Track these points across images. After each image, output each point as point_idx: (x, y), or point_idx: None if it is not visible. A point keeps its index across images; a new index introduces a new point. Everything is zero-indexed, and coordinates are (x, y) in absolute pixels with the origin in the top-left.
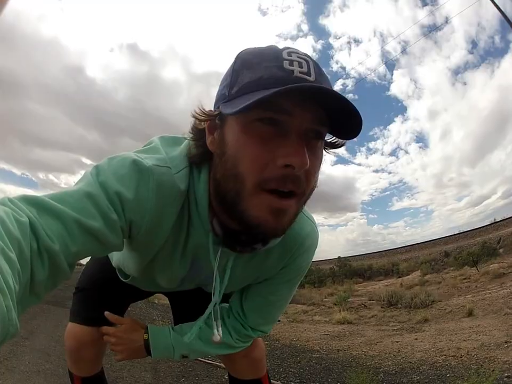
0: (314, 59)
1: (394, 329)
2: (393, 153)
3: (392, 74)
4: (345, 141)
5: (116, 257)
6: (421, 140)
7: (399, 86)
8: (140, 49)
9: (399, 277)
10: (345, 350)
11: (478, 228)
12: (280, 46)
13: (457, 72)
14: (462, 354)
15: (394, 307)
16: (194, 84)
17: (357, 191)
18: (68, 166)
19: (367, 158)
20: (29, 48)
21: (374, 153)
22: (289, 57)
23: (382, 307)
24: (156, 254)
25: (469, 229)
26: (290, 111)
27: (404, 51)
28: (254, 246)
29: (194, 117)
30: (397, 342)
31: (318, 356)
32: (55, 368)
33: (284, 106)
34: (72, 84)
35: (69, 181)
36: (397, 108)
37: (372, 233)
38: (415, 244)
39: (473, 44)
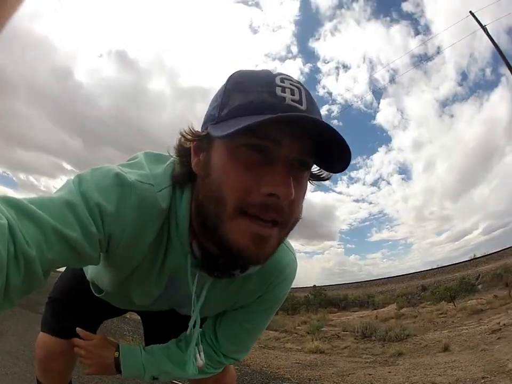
0: (306, 87)
1: (367, 362)
2: (375, 183)
3: (378, 103)
4: (331, 174)
5: (90, 271)
6: (404, 171)
7: (385, 115)
8: (128, 57)
9: (375, 309)
10: (316, 380)
11: (456, 263)
12: (274, 72)
13: (445, 104)
14: None
15: (368, 339)
16: (179, 98)
17: (336, 220)
18: (48, 169)
19: (348, 187)
20: (20, 46)
21: (356, 182)
22: (282, 84)
23: (355, 338)
24: (132, 271)
25: (447, 264)
26: (279, 140)
27: (392, 80)
28: (232, 272)
29: (182, 135)
30: (370, 374)
31: None
32: (23, 372)
33: (273, 134)
34: (59, 87)
35: (48, 184)
36: (382, 138)
37: (349, 263)
38: (392, 277)
39: (463, 75)
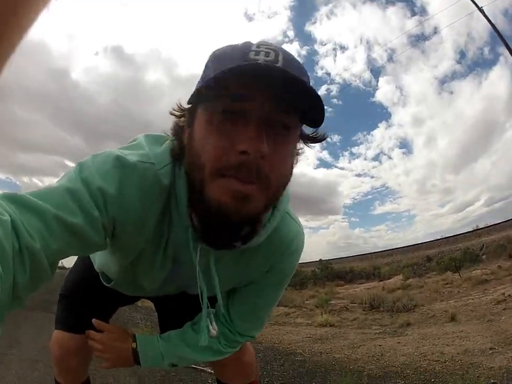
0: (288, 52)
1: (376, 333)
2: (376, 158)
3: (377, 81)
4: (326, 134)
5: (98, 260)
6: (404, 145)
7: (384, 93)
8: (125, 52)
9: (381, 281)
10: (327, 353)
11: (460, 234)
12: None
13: (444, 81)
14: (446, 360)
15: (376, 310)
16: (178, 88)
17: (339, 195)
18: (51, 169)
19: (349, 162)
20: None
21: (357, 158)
22: (257, 49)
23: (364, 310)
24: (139, 254)
25: (451, 235)
26: (248, 98)
27: (390, 59)
28: (233, 243)
29: (171, 113)
30: (380, 345)
31: (301, 358)
32: (43, 376)
33: (242, 94)
34: (56, 87)
35: (52, 182)
36: (382, 114)
37: (354, 237)
38: (397, 248)
39: (462, 54)
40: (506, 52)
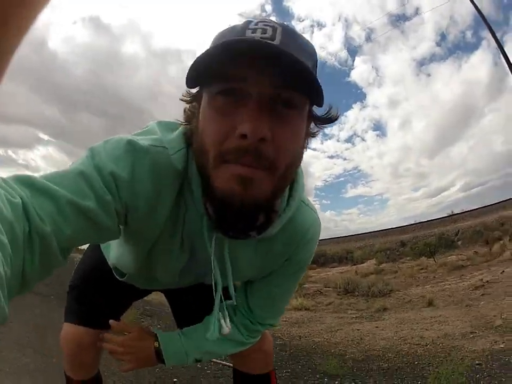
0: (289, 28)
1: (353, 317)
2: (349, 140)
3: (353, 61)
4: (338, 114)
5: (111, 255)
6: (378, 127)
7: (360, 73)
8: (102, 22)
9: (354, 265)
10: (306, 337)
11: (434, 219)
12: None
13: (422, 63)
14: (427, 343)
15: (351, 295)
16: (153, 61)
17: (311, 176)
18: (25, 141)
19: (322, 143)
20: None
21: (330, 139)
22: (255, 26)
23: (338, 294)
24: (154, 243)
25: (425, 220)
26: (246, 76)
27: (368, 39)
28: (248, 233)
29: (181, 99)
30: (358, 329)
31: (281, 342)
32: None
33: (239, 72)
34: (33, 57)
35: (27, 157)
36: (356, 95)
37: (325, 219)
38: (369, 232)
39: (443, 36)
40: (490, 36)
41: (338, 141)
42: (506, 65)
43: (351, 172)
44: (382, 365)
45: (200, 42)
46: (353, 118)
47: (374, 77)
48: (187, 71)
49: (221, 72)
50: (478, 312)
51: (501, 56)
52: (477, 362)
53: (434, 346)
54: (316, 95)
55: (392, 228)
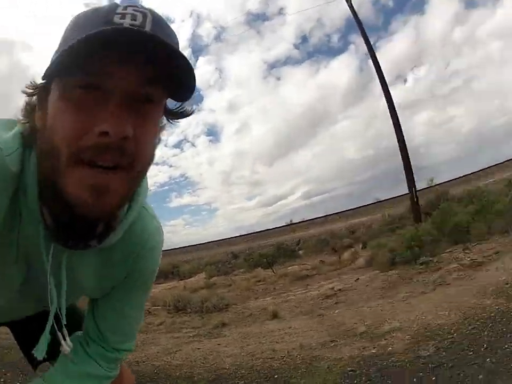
0: (159, 15)
1: (190, 336)
2: (178, 145)
3: (196, 61)
4: (192, 108)
5: None
6: (212, 133)
7: (201, 74)
8: None
9: (181, 279)
10: (145, 362)
11: (271, 229)
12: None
13: (273, 66)
14: (282, 356)
15: (183, 312)
16: None
17: None
18: None
19: None
20: None
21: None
22: (123, 11)
23: (169, 312)
24: None
25: (261, 229)
26: (109, 71)
27: (218, 38)
28: (88, 242)
29: (23, 92)
30: (198, 348)
31: None
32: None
33: (102, 66)
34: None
35: None
36: (191, 98)
37: None
38: (197, 244)
39: (304, 39)
40: (361, 41)
41: (166, 146)
42: (374, 70)
43: (177, 180)
44: (238, 382)
45: (38, 32)
46: (186, 123)
47: (216, 79)
48: (49, 63)
49: (84, 64)
50: (334, 321)
51: (370, 61)
52: (349, 369)
53: (291, 358)
54: (188, 91)
55: (222, 239)
